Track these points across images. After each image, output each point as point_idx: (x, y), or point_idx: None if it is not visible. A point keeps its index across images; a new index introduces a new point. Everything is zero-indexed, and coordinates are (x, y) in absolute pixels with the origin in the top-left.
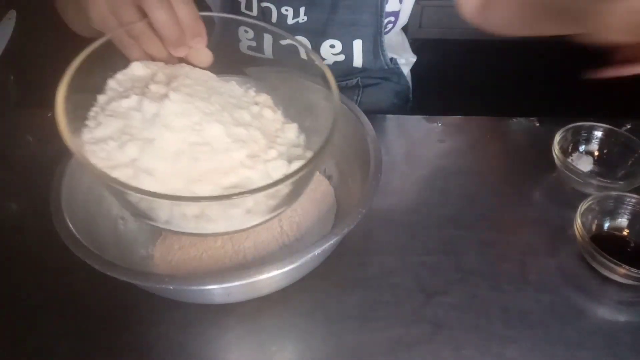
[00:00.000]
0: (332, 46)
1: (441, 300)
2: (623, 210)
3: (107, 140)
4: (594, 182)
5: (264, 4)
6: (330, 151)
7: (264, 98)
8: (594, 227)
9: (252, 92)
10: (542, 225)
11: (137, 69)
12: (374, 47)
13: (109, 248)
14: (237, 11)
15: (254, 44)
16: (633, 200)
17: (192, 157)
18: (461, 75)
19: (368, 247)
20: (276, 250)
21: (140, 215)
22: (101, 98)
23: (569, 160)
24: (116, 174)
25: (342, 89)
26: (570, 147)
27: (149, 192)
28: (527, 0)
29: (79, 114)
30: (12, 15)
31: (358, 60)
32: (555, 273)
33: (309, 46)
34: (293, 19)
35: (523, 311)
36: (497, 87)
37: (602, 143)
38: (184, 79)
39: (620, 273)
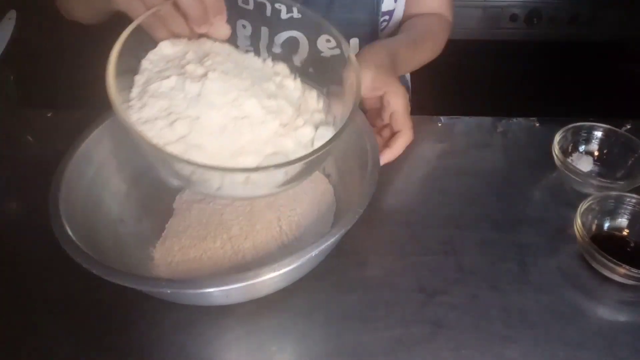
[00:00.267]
0: (327, 40)
1: (441, 300)
2: (623, 210)
3: (154, 120)
4: (594, 182)
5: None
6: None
7: (281, 67)
8: (594, 227)
9: (269, 62)
10: (542, 225)
11: (166, 47)
12: None
13: (109, 250)
14: (235, 4)
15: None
16: (633, 200)
17: (235, 130)
18: (461, 75)
19: (368, 247)
20: (275, 250)
21: (192, 185)
22: (138, 78)
23: (569, 160)
24: (170, 149)
25: None
26: (570, 147)
27: (226, 168)
28: None
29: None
30: (12, 15)
31: None
32: (555, 273)
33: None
34: (287, 13)
35: (523, 311)
36: (497, 87)
37: (602, 143)
38: (214, 56)
39: (620, 273)
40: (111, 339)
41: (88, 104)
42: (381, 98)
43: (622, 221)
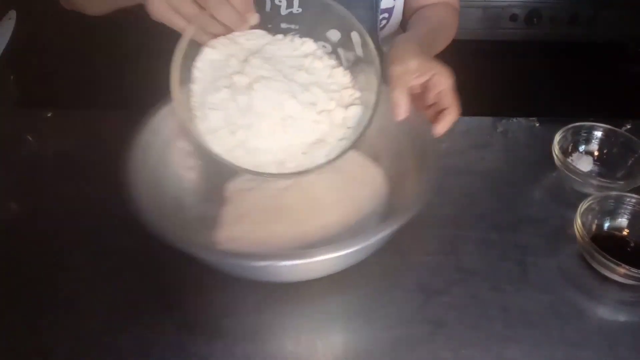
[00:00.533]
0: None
1: (441, 300)
2: (623, 210)
3: (217, 130)
4: (594, 182)
5: None
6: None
7: (308, 44)
8: (594, 227)
9: (297, 40)
10: (542, 225)
11: (210, 53)
12: None
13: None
14: None
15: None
16: (633, 200)
17: (283, 130)
18: (461, 75)
19: None
20: (335, 234)
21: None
22: (195, 88)
23: (569, 160)
24: (233, 154)
25: None
26: (570, 147)
27: (273, 174)
28: None
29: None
30: (12, 15)
31: None
32: (555, 273)
33: None
34: (287, 9)
35: (523, 311)
36: (497, 87)
37: (602, 143)
38: (254, 59)
39: (620, 273)
40: (111, 339)
41: (88, 104)
42: (423, 83)
43: (622, 221)
